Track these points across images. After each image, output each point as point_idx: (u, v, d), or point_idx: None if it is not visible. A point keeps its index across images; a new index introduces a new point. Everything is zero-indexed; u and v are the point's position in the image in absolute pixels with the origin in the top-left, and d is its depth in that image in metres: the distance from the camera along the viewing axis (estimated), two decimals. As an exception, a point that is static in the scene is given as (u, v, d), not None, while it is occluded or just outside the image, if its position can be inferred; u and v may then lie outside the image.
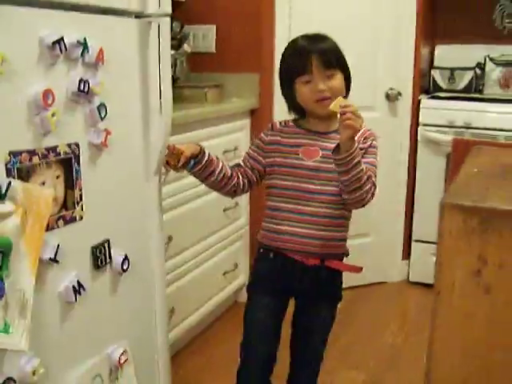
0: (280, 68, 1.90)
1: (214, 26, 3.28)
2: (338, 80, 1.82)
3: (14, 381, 1.37)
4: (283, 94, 1.91)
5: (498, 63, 3.76)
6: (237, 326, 3.17)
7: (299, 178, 1.85)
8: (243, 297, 3.41)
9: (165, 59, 1.73)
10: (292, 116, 1.95)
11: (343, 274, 1.99)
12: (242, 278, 3.37)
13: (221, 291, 3.14)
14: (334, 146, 1.73)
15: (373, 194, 1.81)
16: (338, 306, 2.01)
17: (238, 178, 1.92)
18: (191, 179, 2.46)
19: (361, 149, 1.79)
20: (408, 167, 3.70)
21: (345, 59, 1.86)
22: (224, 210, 3.05)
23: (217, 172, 1.87)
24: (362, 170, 1.73)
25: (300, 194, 1.84)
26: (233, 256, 3.23)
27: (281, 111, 3.17)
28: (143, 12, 1.68)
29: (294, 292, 1.94)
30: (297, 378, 2.03)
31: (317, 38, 1.84)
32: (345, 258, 1.97)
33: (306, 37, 1.85)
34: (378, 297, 3.64)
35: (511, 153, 2.10)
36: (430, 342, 1.50)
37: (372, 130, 1.90)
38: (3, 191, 1.27)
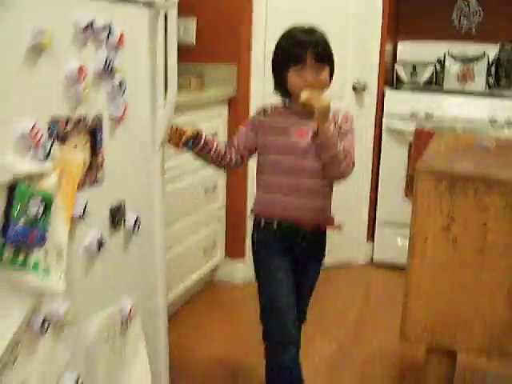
0: (275, 54, 2.09)
1: (195, 20, 3.48)
2: (325, 74, 2.02)
3: (51, 319, 1.56)
4: (274, 78, 2.10)
5: (456, 59, 4.05)
6: (213, 304, 3.35)
7: (293, 154, 2.05)
8: (219, 275, 3.65)
9: (172, 44, 1.94)
10: (276, 95, 2.15)
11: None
12: (219, 256, 3.60)
13: (201, 267, 3.35)
14: None
15: (351, 169, 2.05)
16: None
17: (231, 155, 2.13)
18: (175, 161, 2.68)
19: (342, 129, 2.06)
20: (373, 155, 3.97)
21: (332, 54, 2.06)
22: (205, 192, 3.26)
23: (212, 152, 2.10)
24: (340, 150, 1.98)
25: (294, 168, 2.05)
26: (211, 235, 3.45)
27: (256, 100, 3.44)
28: (154, 1, 1.89)
29: (293, 254, 2.12)
30: None
31: (312, 32, 2.05)
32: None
33: (301, 29, 2.05)
34: (345, 277, 3.89)
35: (467, 138, 2.39)
36: (406, 288, 1.76)
37: (349, 113, 2.14)
38: (47, 152, 1.47)
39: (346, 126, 2.08)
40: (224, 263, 3.66)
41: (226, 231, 3.64)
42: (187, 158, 2.88)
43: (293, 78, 2.02)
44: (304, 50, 1.99)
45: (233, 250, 3.66)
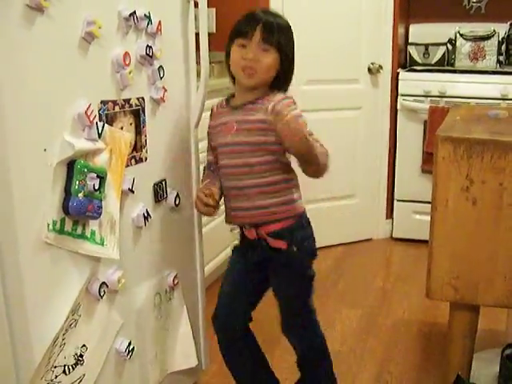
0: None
1: (214, 9, 3.61)
2: (269, 58, 1.83)
3: (107, 286, 1.72)
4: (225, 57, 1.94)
5: (467, 38, 4.17)
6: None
7: (224, 154, 1.92)
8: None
9: (203, 30, 2.08)
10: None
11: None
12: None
13: (227, 248, 3.48)
14: (245, 117, 1.85)
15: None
16: (311, 280, 2.01)
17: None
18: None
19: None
20: (389, 134, 4.09)
21: (287, 43, 1.87)
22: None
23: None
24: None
25: (228, 170, 1.92)
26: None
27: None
28: (184, -8, 2.04)
29: (253, 261, 2.01)
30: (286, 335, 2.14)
31: (271, 14, 1.89)
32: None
33: (263, 10, 1.93)
34: (366, 251, 4.04)
35: (481, 109, 2.51)
36: (430, 247, 1.89)
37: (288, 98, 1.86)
38: (99, 131, 1.61)
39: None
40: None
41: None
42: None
43: (234, 53, 1.87)
44: (254, 25, 1.82)
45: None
